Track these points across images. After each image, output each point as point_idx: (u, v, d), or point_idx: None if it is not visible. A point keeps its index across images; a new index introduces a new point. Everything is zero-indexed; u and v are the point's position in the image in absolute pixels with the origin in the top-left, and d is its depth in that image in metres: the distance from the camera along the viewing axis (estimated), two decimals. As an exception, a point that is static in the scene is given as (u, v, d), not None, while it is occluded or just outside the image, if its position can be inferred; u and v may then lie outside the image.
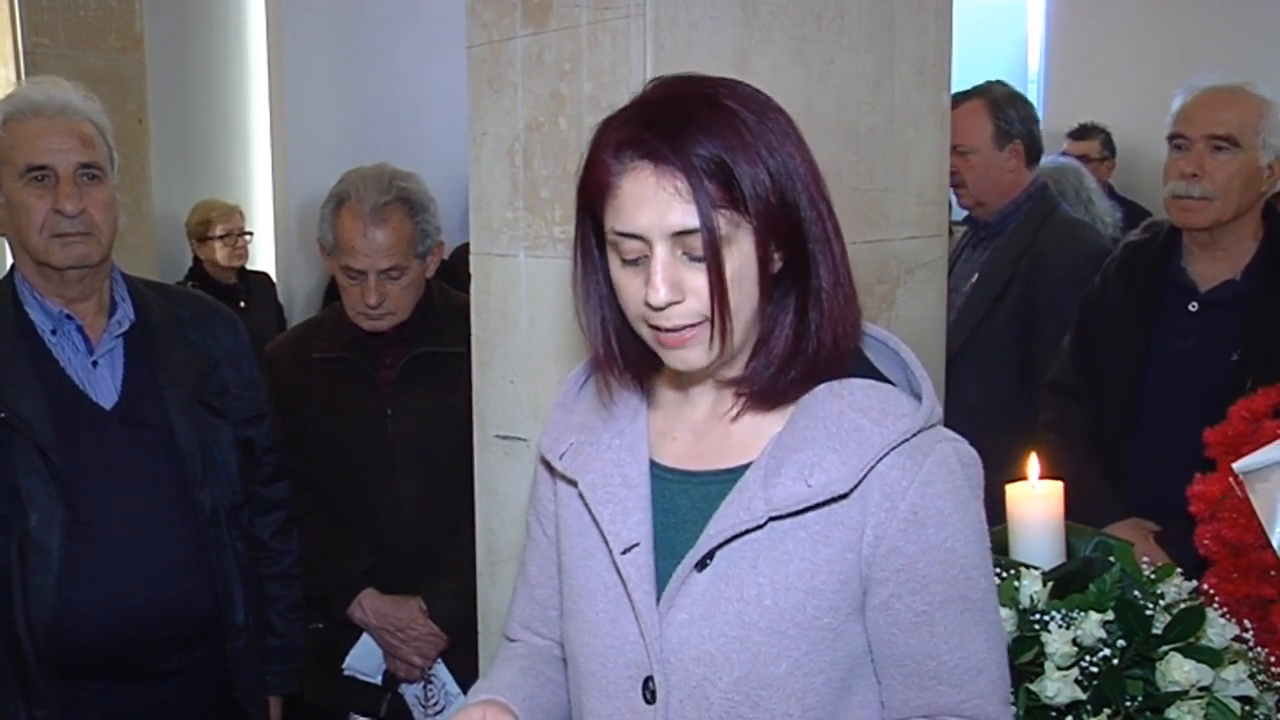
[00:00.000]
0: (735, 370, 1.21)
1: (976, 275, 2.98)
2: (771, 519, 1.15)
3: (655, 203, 1.11)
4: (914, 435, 1.16)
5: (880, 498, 1.15)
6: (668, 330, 1.14)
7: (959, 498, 1.17)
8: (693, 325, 1.14)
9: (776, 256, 1.15)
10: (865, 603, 1.18)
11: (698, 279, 1.12)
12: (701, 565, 1.18)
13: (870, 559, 1.16)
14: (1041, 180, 3.09)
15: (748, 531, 1.16)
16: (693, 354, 1.16)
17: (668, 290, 1.12)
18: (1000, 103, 3.01)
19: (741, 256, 1.13)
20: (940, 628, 1.17)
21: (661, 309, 1.13)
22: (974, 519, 1.19)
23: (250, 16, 5.51)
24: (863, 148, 1.89)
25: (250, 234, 5.02)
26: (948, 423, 1.24)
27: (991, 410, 2.62)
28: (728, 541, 1.17)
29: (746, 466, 1.19)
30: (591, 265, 1.21)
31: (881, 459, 1.15)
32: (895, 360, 1.26)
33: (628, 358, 1.23)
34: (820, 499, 1.14)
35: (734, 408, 1.22)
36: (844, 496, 1.14)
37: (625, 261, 1.15)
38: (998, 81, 3.15)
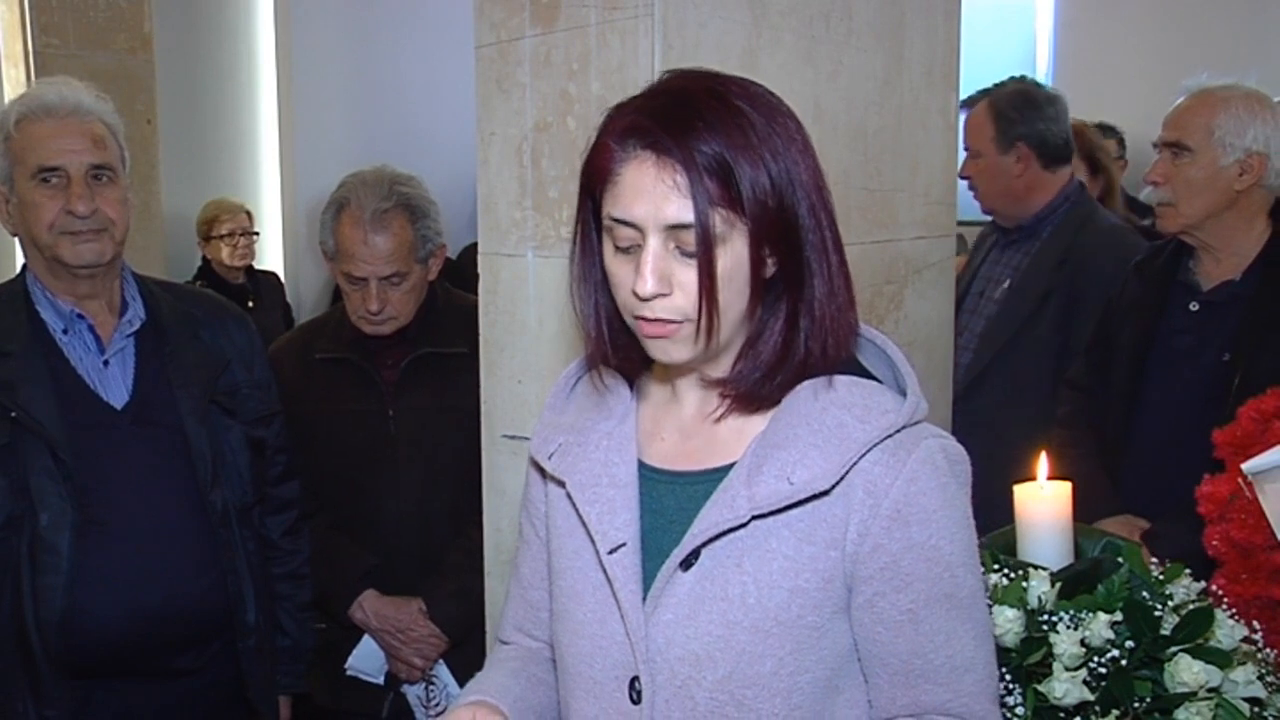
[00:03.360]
0: (721, 371, 1.21)
1: (1009, 282, 2.84)
2: (755, 517, 1.15)
3: (653, 194, 1.11)
4: (898, 431, 1.16)
5: (863, 494, 1.14)
6: (651, 321, 1.15)
7: (945, 495, 1.16)
8: (676, 322, 1.14)
9: (770, 261, 1.15)
10: (850, 601, 1.18)
11: (687, 274, 1.12)
12: (686, 564, 1.18)
13: (854, 556, 1.15)
14: (1078, 181, 2.92)
15: (731, 530, 1.16)
16: (674, 347, 1.16)
17: (655, 282, 1.12)
18: (1001, 105, 2.87)
19: (733, 256, 1.12)
20: (926, 626, 1.16)
21: (647, 300, 1.13)
22: (960, 516, 1.18)
23: (259, 17, 5.53)
24: (871, 148, 1.88)
25: (255, 233, 5.02)
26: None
27: (1025, 424, 2.48)
28: (712, 540, 1.16)
29: (731, 466, 1.19)
30: (590, 248, 1.21)
31: (864, 455, 1.14)
32: (882, 357, 1.25)
33: (618, 344, 1.23)
34: (802, 496, 1.14)
35: (719, 409, 1.22)
36: (826, 493, 1.14)
37: (619, 249, 1.15)
38: (1019, 78, 2.99)
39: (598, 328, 1.23)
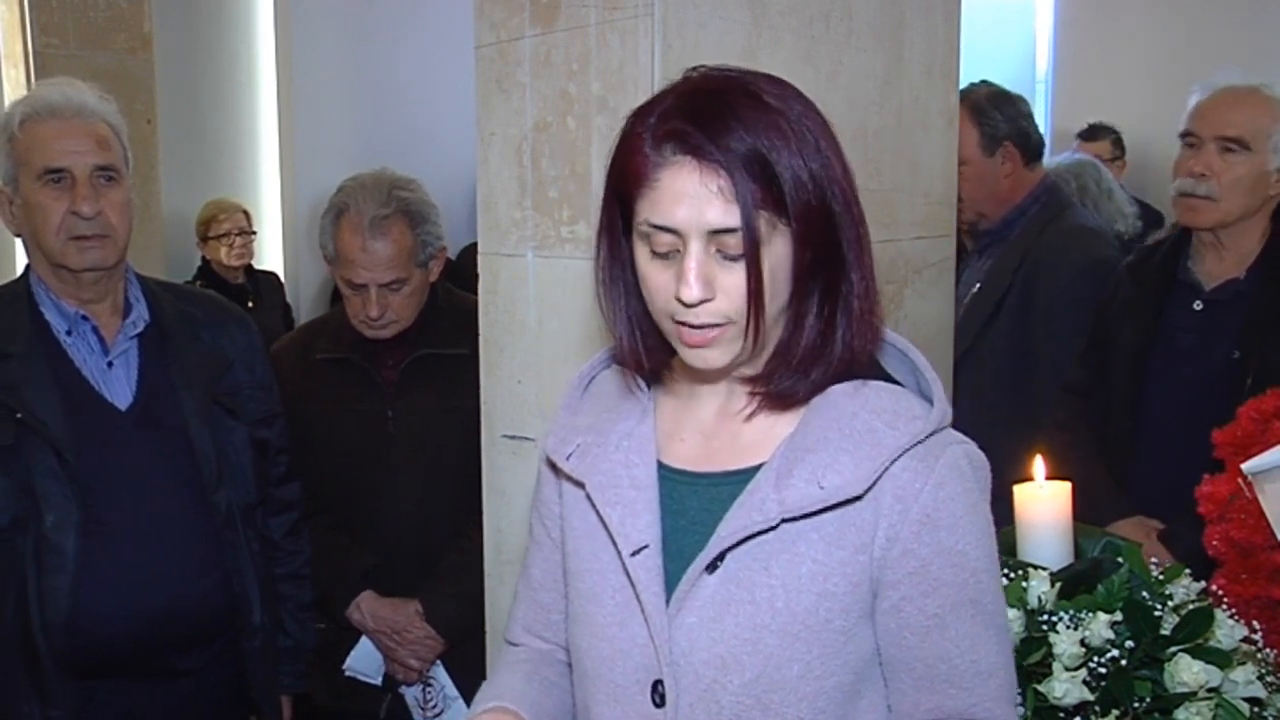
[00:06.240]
0: (754, 369, 1.19)
1: (978, 286, 2.81)
2: (784, 521, 1.14)
3: (695, 199, 1.09)
4: (926, 438, 1.15)
5: (893, 500, 1.14)
6: (694, 328, 1.13)
7: (970, 500, 1.16)
8: (718, 325, 1.13)
9: (809, 258, 1.14)
10: (875, 605, 1.17)
11: (729, 278, 1.11)
12: (712, 567, 1.16)
13: (882, 561, 1.15)
14: (1051, 181, 2.89)
15: (759, 533, 1.15)
16: (714, 354, 1.15)
17: (700, 287, 1.10)
18: (982, 106, 2.80)
19: (776, 257, 1.11)
20: (951, 631, 1.16)
21: (693, 306, 1.11)
22: (984, 522, 1.18)
23: (259, 17, 5.53)
24: (871, 148, 1.88)
25: (253, 233, 5.01)
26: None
27: (984, 428, 2.43)
28: (739, 543, 1.15)
29: (757, 468, 1.18)
30: (618, 253, 1.19)
31: (894, 461, 1.14)
32: (905, 362, 1.24)
33: (650, 348, 1.21)
34: (834, 501, 1.13)
35: (747, 407, 1.20)
36: (857, 499, 1.13)
37: (655, 254, 1.13)
38: (981, 82, 2.92)
39: (630, 332, 1.21)
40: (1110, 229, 3.07)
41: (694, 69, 1.17)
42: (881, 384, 1.19)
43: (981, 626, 1.17)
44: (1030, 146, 2.83)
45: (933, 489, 1.14)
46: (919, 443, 1.15)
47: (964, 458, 1.18)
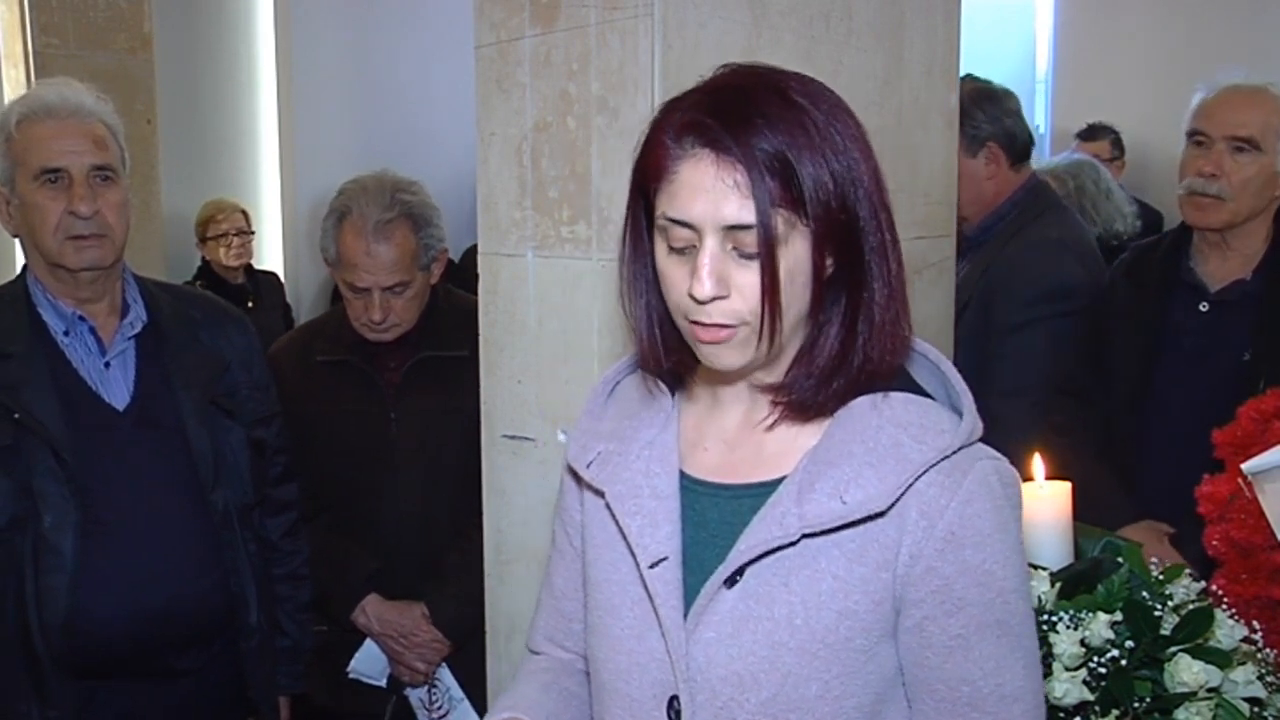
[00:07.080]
0: (774, 377, 1.17)
1: None
2: (805, 536, 1.11)
3: (712, 193, 1.07)
4: (954, 453, 1.12)
5: (918, 516, 1.11)
6: (706, 326, 1.11)
7: (999, 518, 1.13)
8: (731, 326, 1.10)
9: (829, 262, 1.11)
10: (898, 624, 1.14)
11: (744, 276, 1.09)
12: (731, 582, 1.14)
13: (905, 579, 1.12)
14: (1033, 183, 2.75)
15: (780, 548, 1.12)
16: (729, 354, 1.12)
17: (713, 284, 1.08)
18: (963, 105, 2.60)
19: (794, 258, 1.09)
20: (975, 652, 1.13)
21: (704, 303, 1.09)
22: (1013, 541, 1.14)
23: (259, 17, 5.53)
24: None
25: (251, 233, 5.00)
26: None
27: None
28: (759, 558, 1.13)
29: (780, 480, 1.15)
30: (641, 249, 1.17)
31: (920, 477, 1.11)
32: (936, 374, 1.21)
33: (670, 348, 1.19)
34: (856, 517, 1.10)
35: (769, 417, 1.18)
36: (881, 514, 1.11)
37: (672, 249, 1.11)
38: (967, 77, 2.74)
39: (649, 331, 1.19)
40: (1089, 236, 2.90)
41: (725, 66, 1.15)
42: (907, 395, 1.16)
43: (1007, 649, 1.14)
44: (1016, 147, 2.73)
45: (959, 505, 1.11)
46: (946, 457, 1.11)
47: (994, 474, 1.14)
